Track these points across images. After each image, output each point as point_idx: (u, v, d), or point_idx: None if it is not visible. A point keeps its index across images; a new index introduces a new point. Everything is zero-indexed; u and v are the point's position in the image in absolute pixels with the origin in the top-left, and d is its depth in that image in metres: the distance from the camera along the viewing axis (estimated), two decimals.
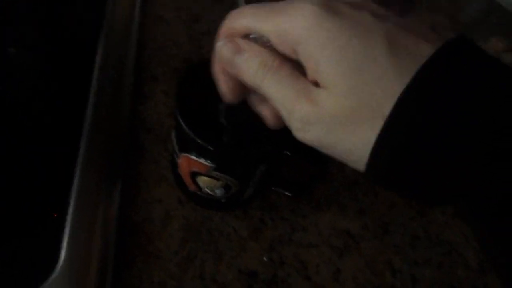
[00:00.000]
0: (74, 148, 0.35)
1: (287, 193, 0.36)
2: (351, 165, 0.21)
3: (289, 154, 0.30)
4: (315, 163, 0.33)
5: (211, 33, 0.48)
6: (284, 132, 0.29)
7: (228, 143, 0.27)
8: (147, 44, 0.46)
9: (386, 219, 0.39)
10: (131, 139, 0.39)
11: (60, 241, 0.31)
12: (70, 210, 0.32)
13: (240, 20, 0.22)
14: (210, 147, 0.27)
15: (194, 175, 0.31)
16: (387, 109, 0.18)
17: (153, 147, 0.39)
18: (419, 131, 0.18)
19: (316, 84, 0.20)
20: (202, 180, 0.31)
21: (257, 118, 0.26)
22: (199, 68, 0.31)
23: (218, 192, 0.32)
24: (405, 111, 0.18)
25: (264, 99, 0.23)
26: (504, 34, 0.43)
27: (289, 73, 0.21)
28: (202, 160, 0.29)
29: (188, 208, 0.36)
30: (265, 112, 0.25)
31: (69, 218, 0.32)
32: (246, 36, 0.23)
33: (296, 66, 0.21)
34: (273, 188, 0.36)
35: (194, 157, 0.29)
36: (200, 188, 0.32)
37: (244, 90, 0.25)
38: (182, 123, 0.27)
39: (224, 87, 0.24)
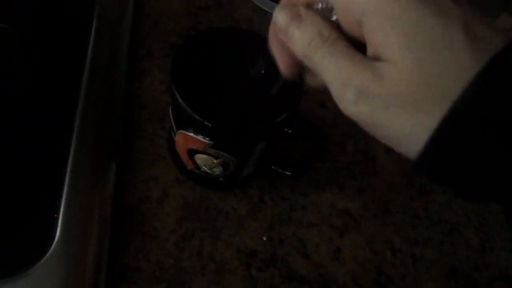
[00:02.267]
0: (68, 126, 0.34)
1: (287, 172, 0.36)
2: (401, 150, 0.19)
3: (289, 131, 0.29)
4: (315, 141, 0.32)
5: (209, 8, 0.47)
6: (284, 108, 0.29)
7: (226, 119, 0.27)
8: (143, 19, 0.45)
9: (387, 198, 0.38)
10: (126, 117, 0.38)
11: (55, 220, 0.30)
12: (65, 189, 0.31)
13: None
14: (207, 123, 0.26)
15: (191, 152, 0.30)
16: (456, 93, 0.17)
17: (149, 125, 0.38)
18: (487, 121, 0.17)
19: (377, 59, 0.19)
20: (200, 158, 0.30)
21: (256, 94, 0.25)
22: (196, 41, 0.30)
23: (216, 170, 0.31)
24: (475, 98, 0.17)
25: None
26: None
27: (346, 46, 0.20)
28: (199, 137, 0.28)
29: (185, 187, 0.35)
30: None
31: (63, 197, 0.31)
32: (309, 6, 0.21)
33: (354, 45, 0.20)
34: (273, 167, 0.35)
35: (191, 134, 0.28)
36: (198, 167, 0.32)
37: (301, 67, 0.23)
38: (178, 97, 0.26)
39: (280, 61, 0.23)
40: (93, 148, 0.35)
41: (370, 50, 0.20)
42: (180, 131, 0.29)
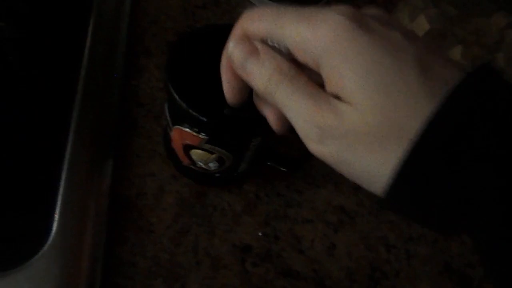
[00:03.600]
0: (65, 122, 0.34)
1: (283, 169, 0.36)
2: (366, 187, 0.20)
3: None
4: None
5: (206, 6, 0.47)
6: None
7: (221, 114, 0.27)
8: (140, 17, 0.45)
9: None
10: (123, 113, 0.38)
11: (51, 215, 0.30)
12: (62, 184, 0.32)
13: (257, 23, 0.21)
14: (202, 118, 0.26)
15: (187, 148, 0.30)
16: (414, 131, 0.17)
17: (146, 122, 0.38)
18: (446, 157, 0.17)
19: (336, 98, 0.19)
20: (196, 154, 0.30)
21: (251, 89, 0.25)
22: (192, 38, 0.30)
23: (212, 166, 0.31)
24: (433, 135, 0.17)
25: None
26: (508, 9, 0.42)
27: (306, 82, 0.20)
28: (194, 132, 0.28)
29: (181, 183, 0.35)
30: (269, 116, 0.24)
31: (60, 192, 0.31)
32: (262, 41, 0.21)
33: (313, 78, 0.20)
34: (268, 164, 0.35)
35: (187, 129, 0.28)
36: (193, 162, 0.32)
37: (248, 92, 0.24)
38: (173, 92, 0.26)
39: (229, 89, 0.23)
40: (90, 144, 0.35)
41: (328, 89, 0.19)
42: (176, 126, 0.29)
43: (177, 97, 0.26)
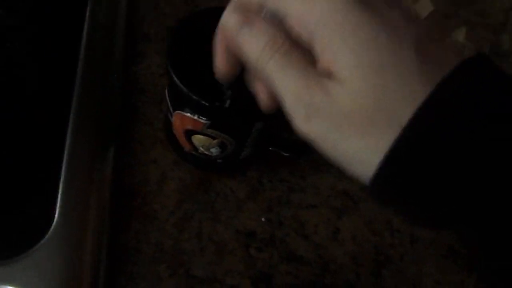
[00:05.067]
0: (65, 110, 0.34)
1: (286, 154, 0.36)
2: (351, 173, 0.19)
3: None
4: None
5: None
6: None
7: (223, 98, 0.26)
8: (139, 2, 0.44)
9: None
10: (124, 100, 0.38)
11: (53, 203, 0.30)
12: (63, 172, 0.31)
13: None
14: (204, 102, 0.26)
15: (188, 133, 0.30)
16: (405, 117, 0.17)
17: (147, 108, 0.38)
18: (437, 147, 0.16)
19: (328, 76, 0.18)
20: (197, 139, 0.30)
21: None
22: (193, 21, 0.30)
23: (214, 151, 0.31)
24: (424, 124, 0.17)
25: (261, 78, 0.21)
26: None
27: (299, 58, 0.19)
28: (196, 117, 0.28)
29: (184, 170, 0.35)
30: (260, 93, 0.23)
31: (62, 180, 0.31)
32: (258, 13, 0.20)
33: (306, 56, 0.19)
34: (271, 149, 0.35)
35: (188, 114, 0.28)
36: (195, 148, 0.31)
37: (239, 68, 0.23)
38: (174, 77, 0.26)
39: (220, 62, 0.23)
40: (91, 132, 0.35)
41: (321, 66, 0.19)
42: (177, 111, 0.29)
43: (178, 81, 0.26)
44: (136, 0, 0.44)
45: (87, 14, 0.40)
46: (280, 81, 0.19)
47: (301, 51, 0.19)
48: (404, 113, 0.17)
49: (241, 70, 0.23)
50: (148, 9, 0.44)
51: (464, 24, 0.42)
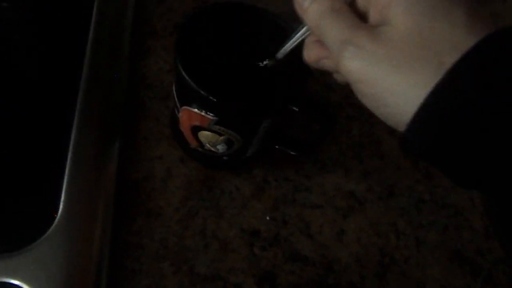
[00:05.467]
0: (71, 105, 0.34)
1: (292, 152, 0.35)
2: (386, 115, 0.19)
3: (295, 109, 0.29)
4: (322, 120, 0.31)
5: None
6: (291, 85, 0.28)
7: (231, 94, 0.26)
8: None
9: (392, 181, 0.38)
10: (130, 96, 0.38)
11: (58, 197, 0.30)
12: (68, 166, 0.31)
13: None
14: (212, 98, 0.26)
15: (195, 130, 0.30)
16: (450, 62, 0.17)
17: (153, 104, 0.37)
18: (482, 93, 0.17)
19: (378, 25, 0.20)
20: (204, 135, 0.30)
21: (263, 70, 0.24)
22: (202, 17, 0.30)
23: (220, 148, 0.31)
24: (468, 71, 0.17)
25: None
26: None
27: (351, 14, 0.21)
28: (203, 113, 0.27)
29: (189, 166, 0.35)
30: (311, 55, 0.24)
31: (67, 174, 0.31)
32: None
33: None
34: (277, 147, 0.35)
35: (195, 110, 0.28)
36: (201, 144, 0.31)
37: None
38: (182, 71, 0.26)
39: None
40: (96, 126, 0.34)
41: (372, 15, 0.20)
42: (184, 107, 0.29)
43: (186, 76, 0.26)
44: None
45: (95, 8, 0.39)
46: (331, 33, 0.21)
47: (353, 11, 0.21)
48: (450, 58, 0.17)
49: (249, 72, 0.23)
50: (156, 3, 0.44)
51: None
